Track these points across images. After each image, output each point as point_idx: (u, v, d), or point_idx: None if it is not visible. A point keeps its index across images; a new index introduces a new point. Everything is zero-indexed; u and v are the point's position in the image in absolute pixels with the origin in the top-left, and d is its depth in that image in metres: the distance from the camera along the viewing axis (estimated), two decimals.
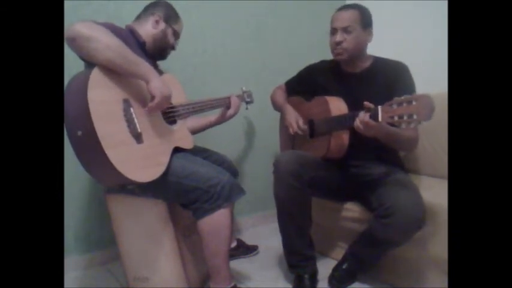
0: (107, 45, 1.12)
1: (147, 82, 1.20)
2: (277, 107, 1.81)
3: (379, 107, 1.14)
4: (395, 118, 1.07)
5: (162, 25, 1.46)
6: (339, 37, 1.45)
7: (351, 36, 1.44)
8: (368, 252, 1.46)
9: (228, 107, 1.66)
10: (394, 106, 1.08)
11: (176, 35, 1.53)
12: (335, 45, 1.47)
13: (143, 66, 1.20)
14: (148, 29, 1.45)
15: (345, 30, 1.43)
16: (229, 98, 1.67)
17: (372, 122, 1.17)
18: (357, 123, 1.23)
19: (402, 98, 1.06)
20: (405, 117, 1.04)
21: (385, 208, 1.28)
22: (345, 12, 1.46)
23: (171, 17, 1.49)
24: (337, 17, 1.47)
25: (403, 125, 1.06)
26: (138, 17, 1.48)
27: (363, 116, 1.20)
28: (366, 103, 1.20)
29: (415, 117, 1.01)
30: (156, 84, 1.20)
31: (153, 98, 1.21)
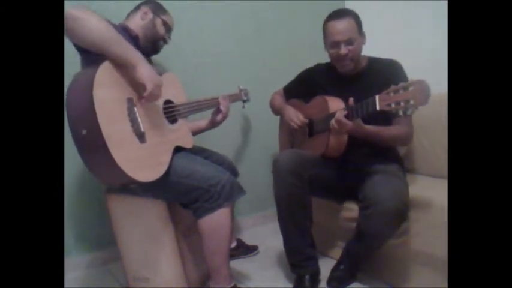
0: (95, 25, 1.11)
1: (134, 68, 1.16)
2: (276, 109, 1.83)
3: (376, 96, 1.16)
4: (393, 105, 1.09)
5: (150, 15, 1.47)
6: (343, 50, 1.44)
7: (354, 47, 1.44)
8: (359, 248, 1.46)
9: (218, 111, 1.60)
10: (391, 94, 1.10)
11: (166, 26, 1.52)
12: (340, 58, 1.47)
13: (132, 51, 1.18)
14: (137, 22, 1.46)
15: (348, 42, 1.43)
16: (217, 99, 1.61)
17: (346, 121, 1.23)
18: (332, 121, 1.27)
19: (399, 85, 1.08)
20: (402, 104, 1.06)
21: (367, 200, 1.31)
22: (342, 23, 1.44)
23: (159, 9, 1.50)
24: (336, 29, 1.44)
25: (400, 112, 1.08)
26: (127, 16, 1.50)
27: (339, 115, 1.24)
28: (350, 100, 1.24)
29: (411, 102, 1.03)
30: (145, 71, 1.17)
31: (143, 86, 1.18)
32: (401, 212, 1.28)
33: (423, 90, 1.02)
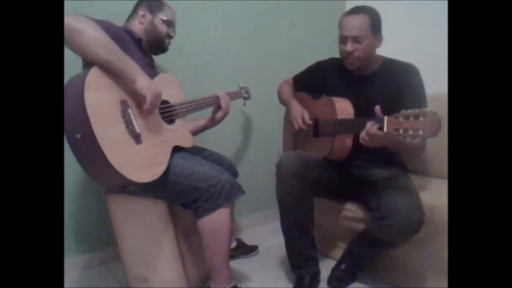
0: (94, 39, 1.11)
1: (133, 81, 1.17)
2: (283, 100, 1.78)
3: (385, 118, 1.12)
4: (401, 131, 1.06)
5: (148, 17, 1.46)
6: (349, 47, 1.39)
7: (361, 45, 1.39)
8: (365, 252, 1.46)
9: (219, 107, 1.59)
10: (401, 119, 1.07)
11: (167, 23, 1.50)
12: (346, 55, 1.42)
13: (130, 64, 1.18)
14: (137, 26, 1.45)
15: (356, 39, 1.38)
16: (218, 97, 1.59)
17: (380, 133, 1.14)
18: (363, 135, 1.20)
19: (409, 111, 1.05)
20: (410, 132, 1.03)
21: (383, 209, 1.28)
22: (354, 19, 1.38)
23: (155, 7, 1.49)
24: (347, 24, 1.40)
25: (408, 139, 1.05)
26: (127, 19, 1.50)
27: (370, 128, 1.17)
28: (377, 109, 1.16)
29: (420, 132, 1.01)
30: (144, 83, 1.18)
31: (143, 97, 1.19)
32: (419, 222, 1.26)
33: (434, 123, 0.99)
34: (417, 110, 1.03)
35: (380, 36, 1.44)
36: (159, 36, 1.50)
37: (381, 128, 1.13)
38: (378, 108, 1.16)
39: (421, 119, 1.01)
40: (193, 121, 1.63)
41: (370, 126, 1.17)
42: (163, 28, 1.49)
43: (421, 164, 1.81)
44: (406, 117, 1.05)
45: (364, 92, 1.47)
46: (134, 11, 1.49)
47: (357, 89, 1.49)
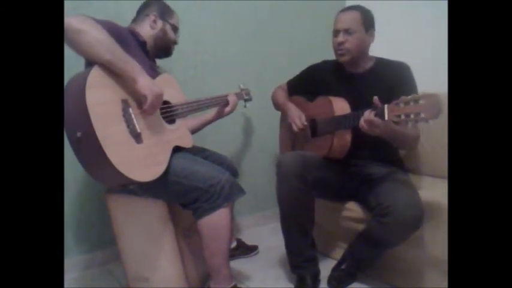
0: (96, 39, 1.11)
1: (135, 81, 1.17)
2: (278, 106, 1.81)
3: (385, 106, 1.14)
4: (402, 117, 1.07)
5: (159, 24, 1.47)
6: (340, 38, 1.47)
7: (352, 37, 1.46)
8: (366, 251, 1.46)
9: (226, 105, 1.65)
10: (401, 105, 1.08)
11: (175, 29, 1.53)
12: (337, 46, 1.49)
13: (131, 64, 1.18)
14: (147, 30, 1.45)
15: (347, 31, 1.46)
16: (226, 96, 1.66)
17: (378, 120, 1.17)
18: (362, 122, 1.22)
19: (409, 97, 1.06)
20: (412, 116, 1.04)
21: (383, 207, 1.29)
22: (346, 14, 1.48)
23: (166, 12, 1.50)
24: (339, 18, 1.49)
25: (410, 124, 1.07)
26: (134, 20, 1.49)
27: (368, 115, 1.20)
28: (375, 99, 1.19)
29: (422, 115, 1.01)
30: (145, 83, 1.18)
31: (144, 98, 1.19)
32: (419, 219, 1.26)
33: (435, 104, 1.00)
34: (416, 95, 1.05)
35: (372, 32, 1.50)
36: (168, 43, 1.52)
37: (381, 117, 1.15)
38: (376, 98, 1.19)
39: (421, 102, 1.02)
40: (199, 117, 1.67)
41: (368, 113, 1.21)
42: (172, 35, 1.51)
43: (420, 163, 1.81)
44: (407, 103, 1.07)
45: (359, 89, 1.50)
46: (144, 14, 1.47)
47: (352, 87, 1.52)
